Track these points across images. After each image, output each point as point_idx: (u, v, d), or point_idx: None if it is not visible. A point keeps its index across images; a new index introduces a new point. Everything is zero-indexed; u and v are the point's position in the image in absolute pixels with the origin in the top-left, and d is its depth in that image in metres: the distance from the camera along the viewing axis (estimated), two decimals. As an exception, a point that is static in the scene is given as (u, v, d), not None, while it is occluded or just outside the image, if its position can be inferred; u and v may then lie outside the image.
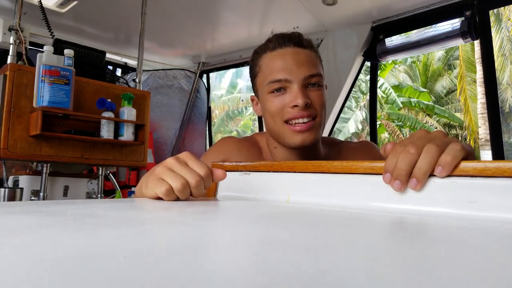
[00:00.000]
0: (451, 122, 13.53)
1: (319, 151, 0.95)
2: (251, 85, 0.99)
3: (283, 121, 0.86)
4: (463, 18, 1.67)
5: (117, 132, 1.73)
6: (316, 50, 0.91)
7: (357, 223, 0.42)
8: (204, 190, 0.59)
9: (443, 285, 0.18)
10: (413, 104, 12.49)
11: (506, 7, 10.39)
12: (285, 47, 0.87)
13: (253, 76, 0.94)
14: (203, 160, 0.93)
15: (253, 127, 16.37)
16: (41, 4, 1.68)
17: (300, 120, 0.84)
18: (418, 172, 0.46)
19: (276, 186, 0.65)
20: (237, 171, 0.73)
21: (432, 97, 14.04)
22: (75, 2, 1.94)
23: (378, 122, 12.55)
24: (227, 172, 0.75)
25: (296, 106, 0.83)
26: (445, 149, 0.46)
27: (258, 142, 1.00)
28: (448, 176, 0.46)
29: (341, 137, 12.26)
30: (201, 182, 0.56)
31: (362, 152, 0.97)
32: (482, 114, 11.03)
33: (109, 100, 1.69)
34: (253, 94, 0.97)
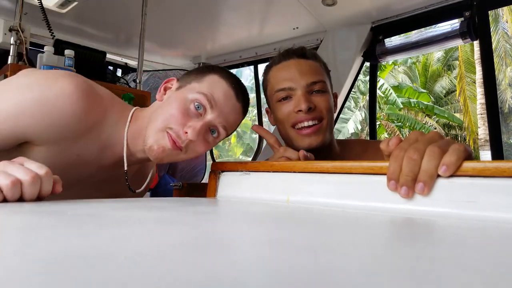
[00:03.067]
0: (450, 122, 13.53)
1: (333, 152, 0.98)
2: (263, 94, 1.05)
3: (290, 126, 0.91)
4: (462, 19, 1.67)
5: (117, 132, 1.73)
6: (320, 61, 0.96)
7: (357, 223, 0.42)
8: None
9: (442, 285, 0.18)
10: (412, 105, 12.48)
11: (504, 8, 10.41)
12: (289, 59, 0.94)
13: (264, 89, 1.01)
14: None
15: (253, 128, 16.29)
16: (42, 5, 1.68)
17: (305, 124, 0.89)
18: (424, 176, 0.46)
19: (276, 186, 0.65)
20: (237, 171, 0.73)
21: (432, 97, 14.04)
22: (75, 3, 1.94)
23: (378, 123, 12.54)
24: (227, 172, 0.75)
25: (300, 111, 0.88)
26: (447, 150, 0.46)
27: None
28: (448, 176, 0.46)
29: (340, 137, 12.24)
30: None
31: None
32: (481, 114, 11.03)
33: (109, 100, 1.69)
34: (267, 107, 1.03)
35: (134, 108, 0.83)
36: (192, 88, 0.77)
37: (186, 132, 0.72)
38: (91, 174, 0.81)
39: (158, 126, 0.74)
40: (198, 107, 0.74)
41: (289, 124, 0.91)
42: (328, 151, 0.96)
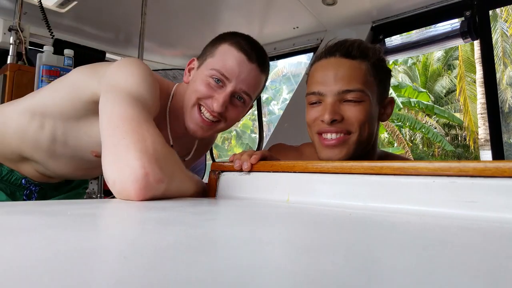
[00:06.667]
0: (450, 122, 13.53)
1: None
2: None
3: (316, 132, 0.84)
4: (463, 18, 1.67)
5: (117, 132, 1.73)
6: (370, 60, 0.83)
7: (357, 223, 0.42)
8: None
9: (442, 285, 0.18)
10: (412, 104, 12.49)
11: (503, 8, 10.42)
12: (330, 57, 0.84)
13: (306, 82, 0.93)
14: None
15: (253, 127, 16.35)
16: (41, 4, 1.68)
17: (329, 136, 0.81)
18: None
19: (276, 186, 0.65)
20: (237, 171, 0.73)
21: (432, 97, 14.04)
22: (75, 2, 1.94)
23: (378, 122, 12.49)
24: (227, 172, 0.75)
25: (323, 121, 0.81)
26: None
27: (305, 152, 0.99)
28: (448, 176, 0.46)
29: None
30: None
31: None
32: (481, 114, 11.03)
33: (109, 100, 1.69)
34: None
35: (176, 84, 0.93)
36: (208, 64, 0.85)
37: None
38: None
39: (190, 103, 0.85)
40: (217, 81, 0.83)
41: (315, 130, 0.84)
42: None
